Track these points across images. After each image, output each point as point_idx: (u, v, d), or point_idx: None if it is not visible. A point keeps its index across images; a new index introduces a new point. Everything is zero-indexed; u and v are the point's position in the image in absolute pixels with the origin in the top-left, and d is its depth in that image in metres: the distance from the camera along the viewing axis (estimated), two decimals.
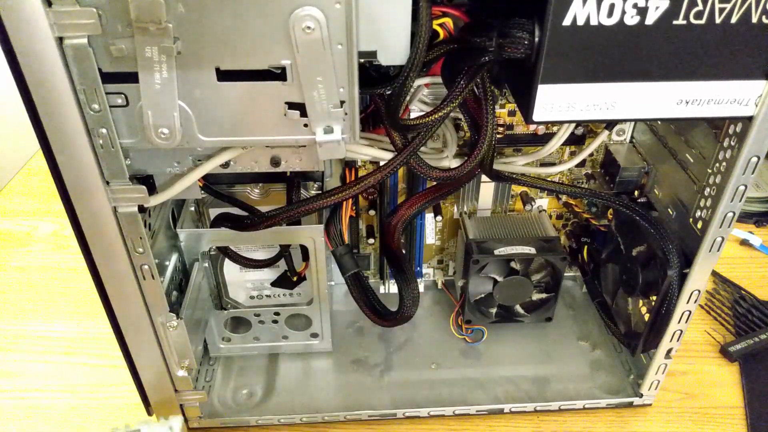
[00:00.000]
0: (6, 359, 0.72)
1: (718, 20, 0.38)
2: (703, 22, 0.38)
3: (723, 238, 0.51)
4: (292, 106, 0.40)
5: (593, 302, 0.72)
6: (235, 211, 0.58)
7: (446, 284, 0.79)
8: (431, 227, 0.74)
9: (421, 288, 0.78)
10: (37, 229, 0.93)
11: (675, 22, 0.38)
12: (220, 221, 0.55)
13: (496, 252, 0.65)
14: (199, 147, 0.44)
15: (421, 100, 0.55)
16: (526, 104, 0.41)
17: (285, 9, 0.36)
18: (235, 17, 0.36)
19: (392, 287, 0.78)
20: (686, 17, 0.38)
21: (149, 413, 0.59)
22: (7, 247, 0.89)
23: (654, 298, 0.57)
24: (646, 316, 0.61)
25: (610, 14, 0.37)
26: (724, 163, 0.48)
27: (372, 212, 0.71)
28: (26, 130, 0.40)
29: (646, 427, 0.65)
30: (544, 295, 0.70)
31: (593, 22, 0.37)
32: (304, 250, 0.61)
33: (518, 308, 0.71)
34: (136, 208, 0.45)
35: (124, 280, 0.48)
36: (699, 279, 0.53)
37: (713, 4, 0.37)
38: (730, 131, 0.47)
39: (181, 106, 0.40)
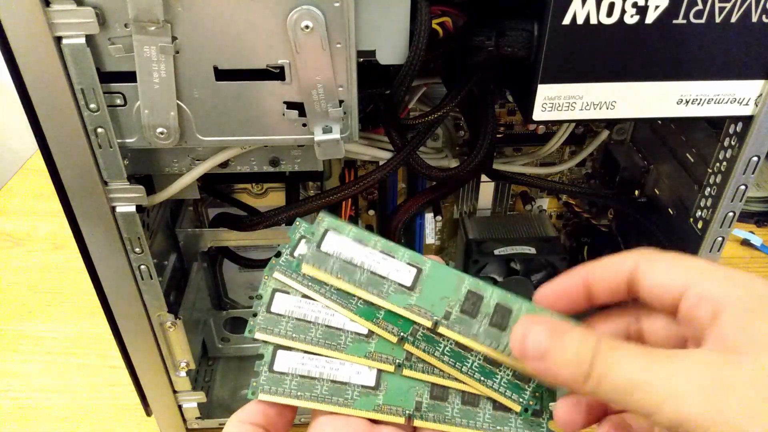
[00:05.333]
0: (6, 359, 0.72)
1: (717, 19, 0.38)
2: (702, 21, 0.38)
3: (723, 238, 0.50)
4: (290, 105, 0.40)
5: None
6: (235, 211, 0.58)
7: None
8: (431, 227, 0.73)
9: None
10: (36, 229, 0.93)
11: (675, 22, 0.38)
12: (219, 221, 0.55)
13: (496, 252, 0.65)
14: (197, 147, 0.44)
15: (420, 100, 0.55)
16: (525, 104, 0.41)
17: (283, 8, 0.36)
18: (233, 16, 0.36)
19: None
20: (686, 16, 0.37)
21: (148, 414, 0.59)
22: (7, 247, 0.89)
23: None
24: None
25: (609, 13, 0.37)
26: (724, 163, 0.48)
27: (371, 212, 0.71)
28: (25, 129, 0.40)
29: None
30: None
31: (593, 21, 0.37)
32: None
33: None
34: (134, 208, 0.44)
35: (122, 280, 0.48)
36: None
37: (713, 3, 0.37)
38: (731, 131, 0.47)
39: (179, 106, 0.40)
